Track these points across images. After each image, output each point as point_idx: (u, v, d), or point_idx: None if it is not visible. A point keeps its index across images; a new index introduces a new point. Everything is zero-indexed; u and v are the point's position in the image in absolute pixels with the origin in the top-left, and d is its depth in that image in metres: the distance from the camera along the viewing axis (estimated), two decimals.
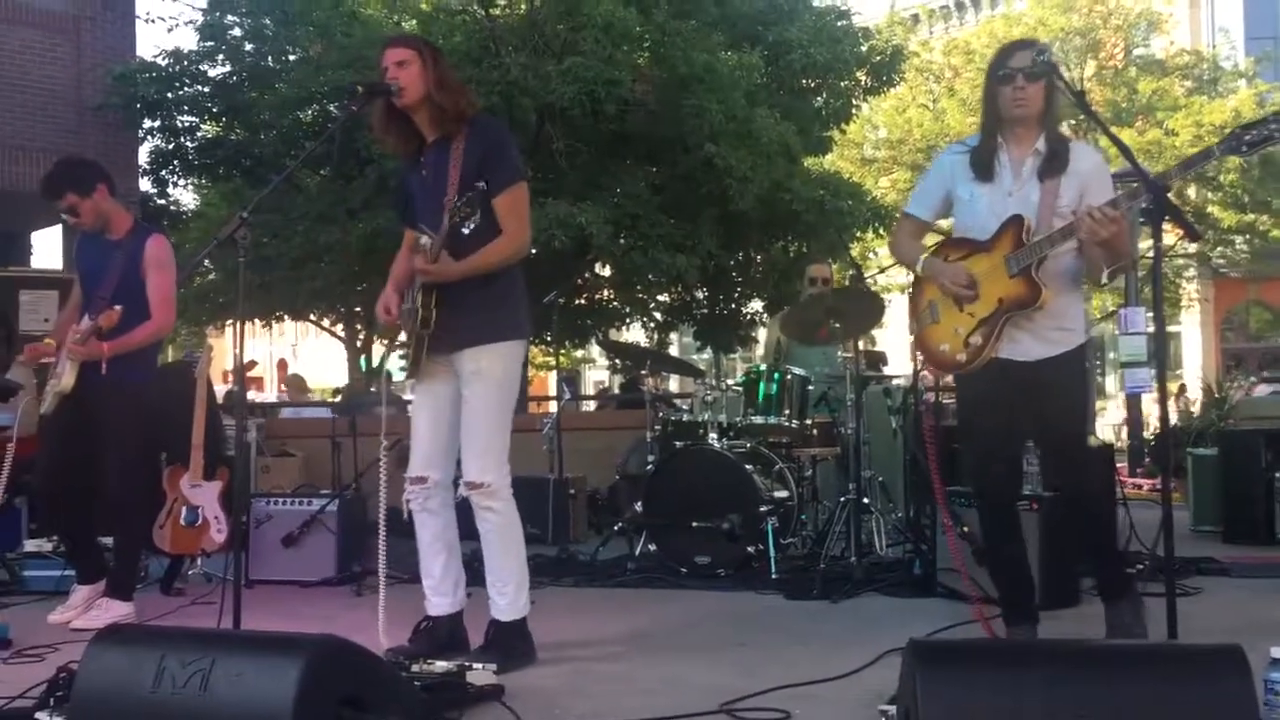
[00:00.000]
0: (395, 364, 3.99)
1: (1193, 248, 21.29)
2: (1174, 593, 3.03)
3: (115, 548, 4.86)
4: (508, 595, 3.72)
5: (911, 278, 4.69)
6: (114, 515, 4.79)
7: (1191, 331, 25.98)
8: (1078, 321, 3.59)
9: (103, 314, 4.48)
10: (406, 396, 5.51)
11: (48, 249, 15.35)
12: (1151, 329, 3.42)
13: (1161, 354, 3.26)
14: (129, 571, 4.81)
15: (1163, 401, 3.20)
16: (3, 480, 4.77)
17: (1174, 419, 15.33)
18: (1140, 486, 9.01)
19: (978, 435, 3.71)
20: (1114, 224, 3.22)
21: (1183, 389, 21.37)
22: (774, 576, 5.17)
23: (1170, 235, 3.38)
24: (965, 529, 4.71)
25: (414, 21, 13.38)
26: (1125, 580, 3.71)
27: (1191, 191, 21.70)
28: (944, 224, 3.96)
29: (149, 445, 5.04)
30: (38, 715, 2.90)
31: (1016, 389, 3.52)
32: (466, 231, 3.52)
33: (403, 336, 3.85)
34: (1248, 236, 22.04)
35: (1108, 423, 23.45)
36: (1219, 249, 22.96)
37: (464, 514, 3.83)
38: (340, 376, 27.17)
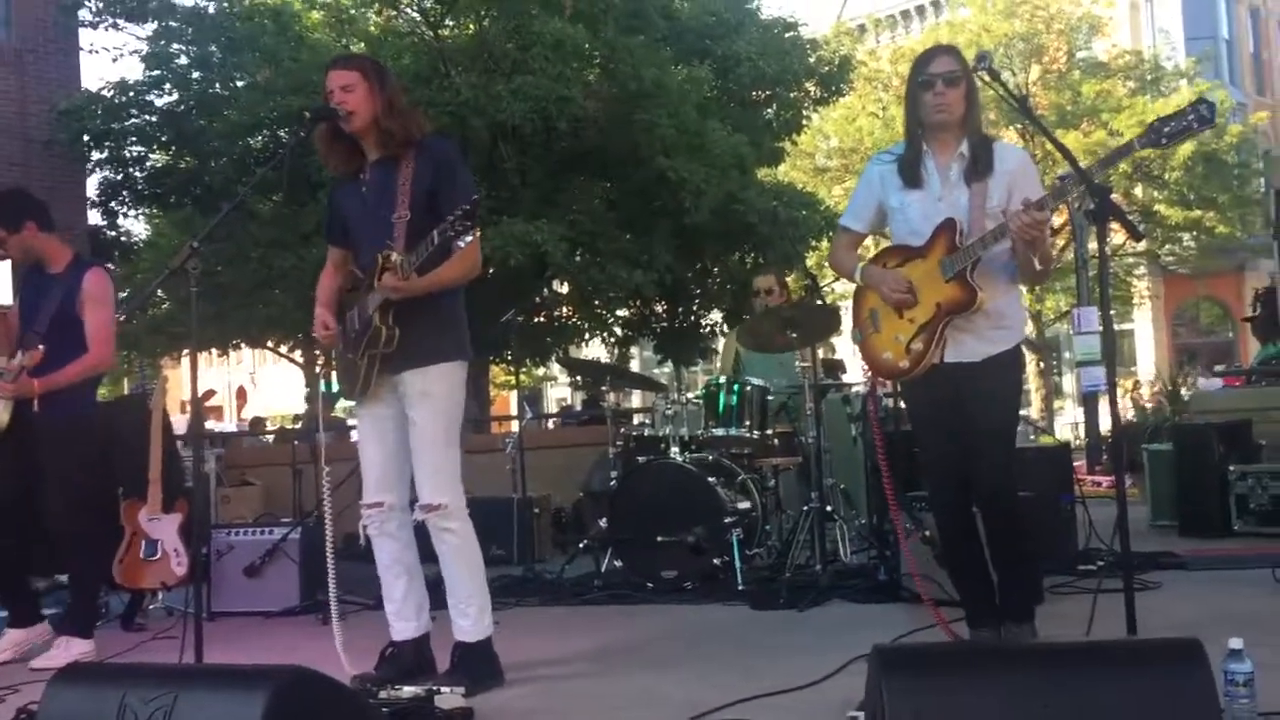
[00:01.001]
0: (332, 389, 3.95)
1: (1141, 246, 21.61)
2: (1132, 588, 3.08)
3: (71, 584, 4.80)
4: (470, 616, 3.69)
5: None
6: (66, 552, 4.71)
7: (1144, 328, 26.38)
8: (1016, 319, 3.62)
9: (28, 352, 4.43)
10: (351, 422, 5.48)
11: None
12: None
13: (1111, 352, 3.32)
14: (87, 608, 4.74)
15: (1112, 398, 3.25)
16: None
17: (1131, 415, 15.55)
18: (1099, 484, 9.13)
19: (928, 441, 3.73)
20: (1038, 225, 3.25)
21: (1136, 384, 21.65)
22: (740, 588, 5.18)
23: (1117, 235, 3.43)
24: (926, 533, 4.74)
25: (362, 44, 13.34)
26: (1025, 603, 3.65)
27: (1139, 190, 22.06)
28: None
29: (103, 479, 4.97)
30: None
31: (960, 391, 3.53)
32: (463, 245, 3.46)
33: (340, 356, 3.82)
34: (1195, 233, 22.42)
35: (1065, 421, 23.73)
36: (1167, 246, 23.35)
37: (421, 537, 3.81)
38: (299, 403, 26.95)
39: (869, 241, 4.19)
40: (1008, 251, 3.50)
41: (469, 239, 3.41)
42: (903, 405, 7.08)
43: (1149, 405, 14.47)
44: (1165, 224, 22.00)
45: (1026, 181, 3.53)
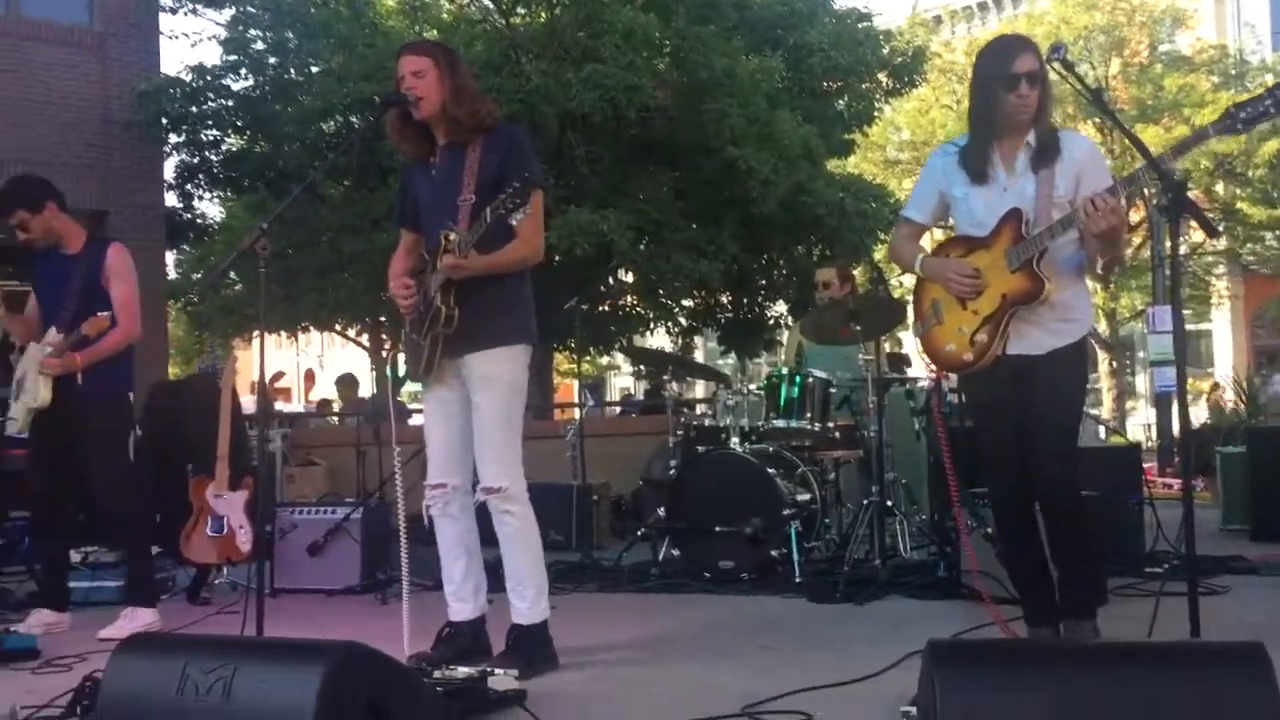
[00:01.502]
0: (400, 369, 3.98)
1: (1221, 244, 21.11)
2: (1196, 590, 3.01)
3: (127, 557, 4.92)
4: (528, 599, 3.72)
5: None
6: (116, 526, 4.83)
7: (1222, 329, 25.75)
8: (1083, 312, 3.55)
9: (86, 322, 4.51)
10: (414, 406, 5.53)
11: None
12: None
13: (1181, 352, 3.22)
14: (147, 578, 4.86)
15: (1182, 398, 3.19)
16: None
17: (1206, 417, 15.22)
18: (1170, 486, 8.95)
19: (989, 434, 3.66)
20: (1113, 213, 3.17)
21: (1216, 386, 21.18)
22: (798, 580, 5.15)
23: (1196, 232, 3.34)
24: (988, 530, 4.69)
25: (435, 31, 13.45)
26: (1088, 600, 3.58)
27: (1220, 187, 21.53)
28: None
29: (174, 455, 5.10)
30: None
31: (1022, 385, 3.46)
32: (514, 223, 3.48)
33: (407, 336, 3.85)
34: (1277, 233, 21.83)
35: (1137, 422, 23.26)
36: (1249, 245, 22.77)
37: (482, 520, 3.84)
38: (366, 386, 27.27)
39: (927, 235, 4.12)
40: (1075, 243, 3.44)
41: (519, 216, 3.43)
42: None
43: (1228, 407, 14.16)
44: (1247, 222, 21.45)
45: (1095, 170, 3.46)
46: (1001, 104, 3.44)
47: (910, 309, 4.06)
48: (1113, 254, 3.45)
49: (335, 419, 15.87)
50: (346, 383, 13.36)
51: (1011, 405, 3.50)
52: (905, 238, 3.81)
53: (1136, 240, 18.18)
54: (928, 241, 3.94)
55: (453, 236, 3.52)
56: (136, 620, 4.60)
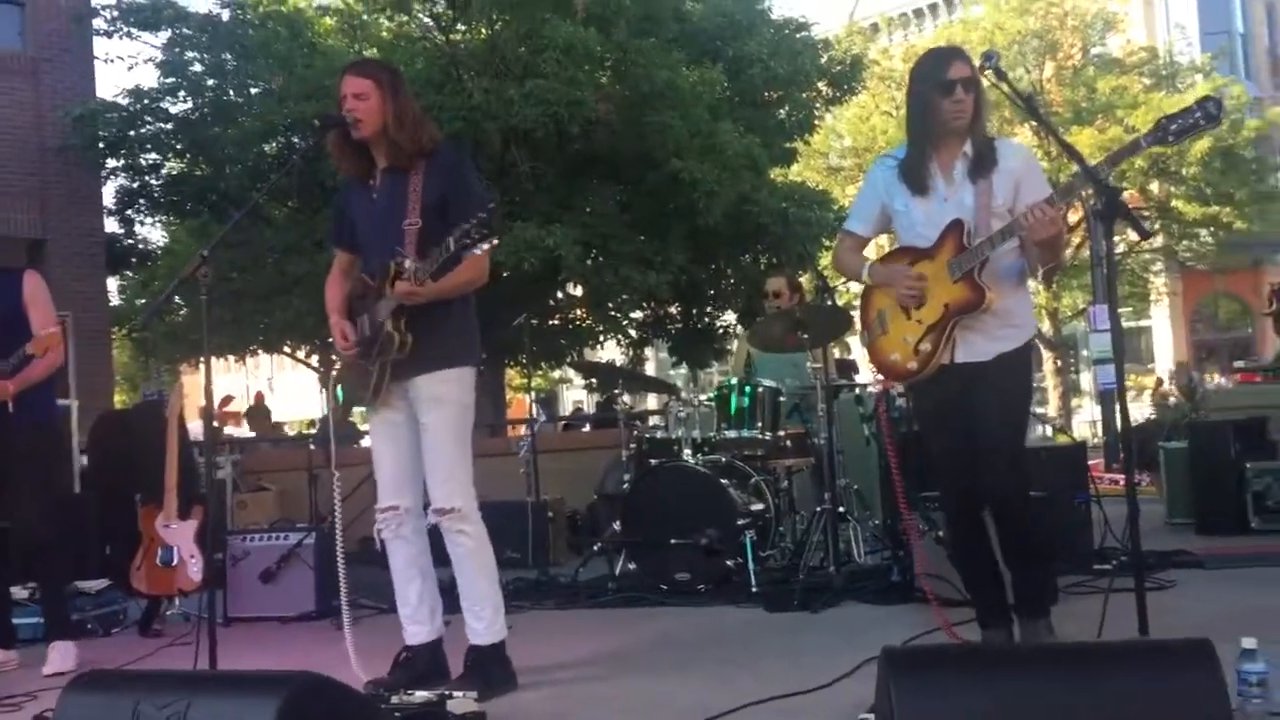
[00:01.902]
0: (339, 395, 3.95)
1: (1158, 242, 21.51)
2: (1144, 588, 3.06)
3: (45, 590, 4.82)
4: (484, 619, 3.71)
5: None
6: (42, 558, 4.70)
7: (1162, 325, 26.24)
8: (1026, 317, 3.63)
9: (31, 342, 4.41)
10: (364, 427, 5.49)
11: None
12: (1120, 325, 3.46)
13: (1120, 349, 3.31)
14: (66, 609, 4.83)
15: (1122, 395, 3.23)
16: None
17: (1150, 413, 15.47)
18: (1116, 482, 9.08)
19: (938, 441, 3.70)
20: (1053, 223, 3.24)
21: (1159, 383, 21.55)
22: (754, 590, 5.17)
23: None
24: (939, 533, 4.74)
25: (374, 49, 13.37)
26: (1040, 599, 3.63)
27: (1155, 186, 21.95)
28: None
29: (119, 485, 5.04)
30: None
31: (969, 391, 3.51)
32: (479, 252, 3.46)
33: (350, 363, 3.83)
34: (1212, 229, 22.28)
35: (1083, 419, 23.62)
36: (1184, 242, 23.21)
37: (434, 540, 3.82)
38: (315, 408, 27.04)
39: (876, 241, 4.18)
40: (1016, 250, 3.49)
41: (485, 246, 3.41)
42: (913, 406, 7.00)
43: (1173, 402, 14.41)
44: (1182, 220, 21.88)
45: (1032, 178, 3.52)
46: (938, 110, 3.49)
47: (857, 317, 4.10)
48: (1054, 260, 3.54)
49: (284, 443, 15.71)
50: (258, 413, 13.23)
51: (959, 412, 3.54)
52: (849, 249, 3.84)
53: (1076, 240, 18.46)
54: (873, 250, 3.99)
55: (408, 264, 3.50)
56: (69, 654, 4.54)
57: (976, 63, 3.44)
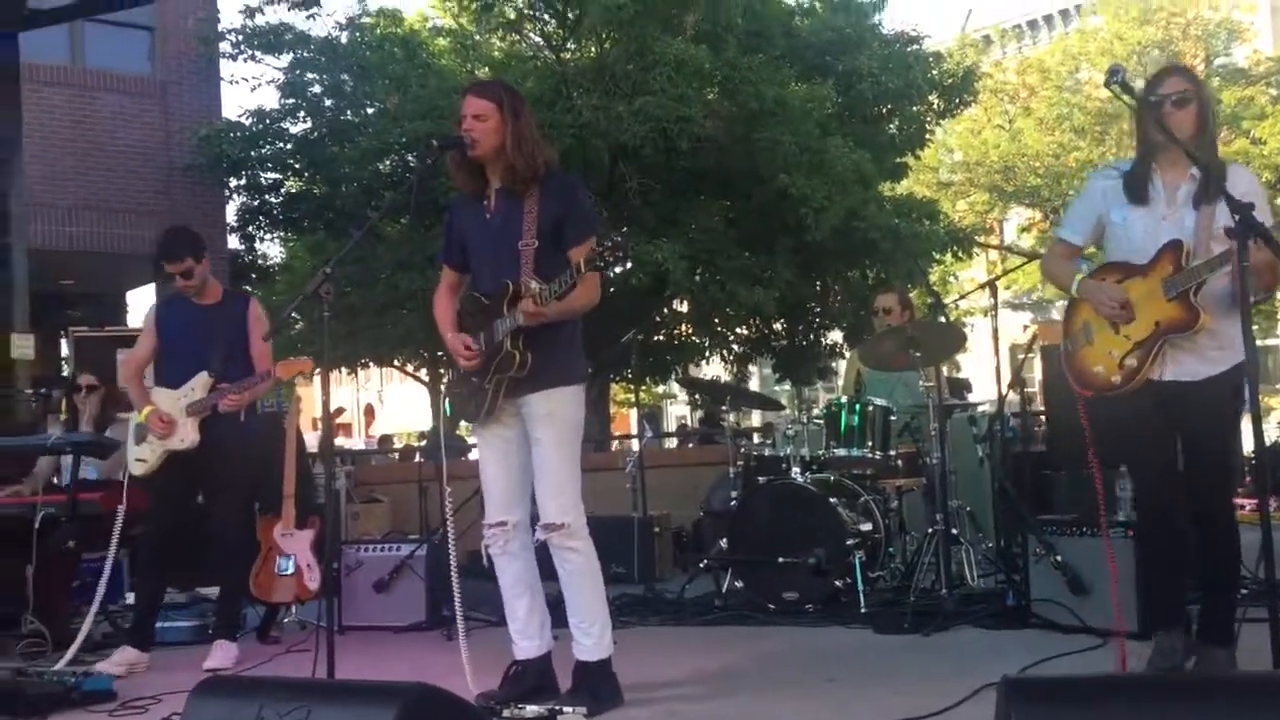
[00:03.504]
0: (447, 411, 4.02)
1: None
2: (1278, 618, 2.93)
3: (226, 592, 5.12)
4: (593, 635, 3.72)
5: (990, 300, 4.71)
6: (228, 562, 5.07)
7: None
8: (1235, 340, 3.54)
9: (280, 365, 4.93)
10: (472, 441, 5.56)
11: (141, 308, 15.85)
12: None
13: (1253, 367, 3.19)
14: (238, 614, 5.20)
15: (1255, 416, 3.12)
16: (115, 536, 4.94)
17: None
18: (1243, 507, 8.74)
19: (1137, 457, 3.77)
20: (1262, 256, 3.23)
21: None
22: (863, 610, 5.10)
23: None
24: (1057, 558, 4.62)
25: (486, 69, 13.62)
26: (1229, 627, 3.60)
27: None
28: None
29: (249, 496, 5.26)
30: None
31: (1171, 410, 3.55)
32: (613, 275, 3.54)
33: (459, 379, 3.88)
34: None
35: None
36: None
37: (542, 555, 3.86)
38: (425, 421, 27.52)
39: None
40: (1228, 274, 3.45)
41: (619, 270, 3.46)
42: (1031, 426, 6.91)
43: None
44: None
45: (1256, 208, 3.43)
46: (1149, 126, 3.56)
47: (971, 334, 4.09)
48: (1266, 290, 3.56)
49: (395, 455, 16.01)
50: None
51: (1160, 432, 3.59)
52: (1060, 257, 3.90)
53: None
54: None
55: (535, 286, 3.53)
56: (229, 652, 4.83)
57: (1102, 76, 3.40)
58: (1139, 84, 3.74)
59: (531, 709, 3.26)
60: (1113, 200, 3.68)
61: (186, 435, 4.83)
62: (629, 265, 3.46)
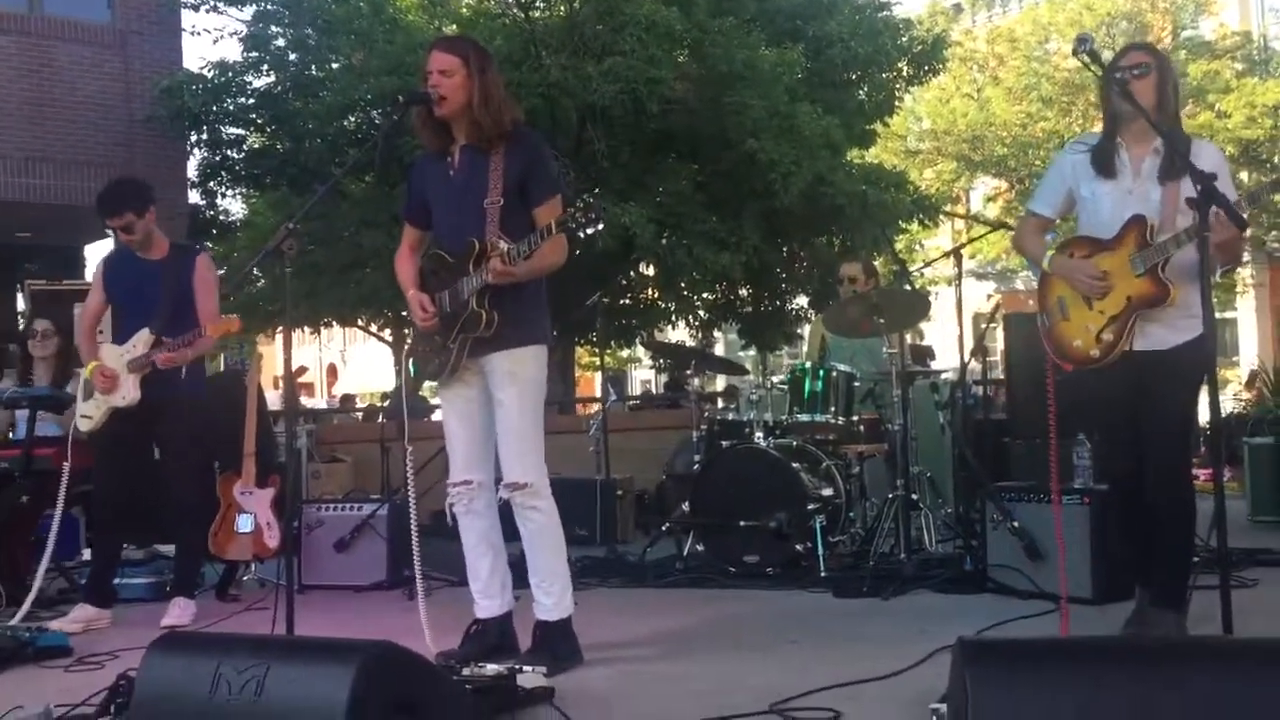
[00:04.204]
0: (411, 370, 3.99)
1: (1246, 232, 20.90)
2: (1229, 585, 2.99)
3: (183, 550, 5.06)
4: (553, 595, 3.74)
5: (955, 269, 5.14)
6: (181, 520, 4.98)
7: (1247, 317, 25.53)
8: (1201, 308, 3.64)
9: (213, 325, 4.68)
10: (436, 401, 5.54)
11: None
12: None
13: (1212, 341, 3.24)
14: (197, 572, 5.11)
15: (1213, 388, 3.16)
16: (61, 492, 4.88)
17: (1236, 407, 15.03)
18: (1196, 476, 8.88)
19: (1108, 426, 3.91)
20: (1223, 228, 3.28)
21: (1254, 376, 20.93)
22: (823, 574, 5.15)
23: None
24: (1013, 524, 4.67)
25: (454, 26, 13.45)
26: (1182, 591, 3.69)
27: (1245, 175, 21.34)
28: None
29: (204, 454, 5.18)
30: None
31: (1143, 379, 3.63)
32: (583, 236, 3.51)
33: (425, 338, 3.86)
34: None
35: None
36: (1274, 233, 22.54)
37: (504, 517, 3.85)
38: (388, 380, 27.40)
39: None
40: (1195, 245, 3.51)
41: (589, 231, 3.43)
42: (991, 394, 6.99)
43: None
44: (1271, 209, 21.23)
45: (1220, 181, 3.47)
46: (1111, 100, 3.66)
47: (935, 301, 4.13)
48: (1232, 261, 3.66)
49: (359, 415, 15.93)
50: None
51: (1130, 399, 3.68)
52: (1031, 230, 3.98)
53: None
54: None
55: (504, 245, 3.52)
56: (188, 609, 4.79)
57: (1070, 46, 3.42)
58: (1107, 55, 3.77)
59: (491, 667, 3.26)
60: (1081, 174, 3.76)
61: (128, 392, 4.73)
62: (600, 228, 3.43)
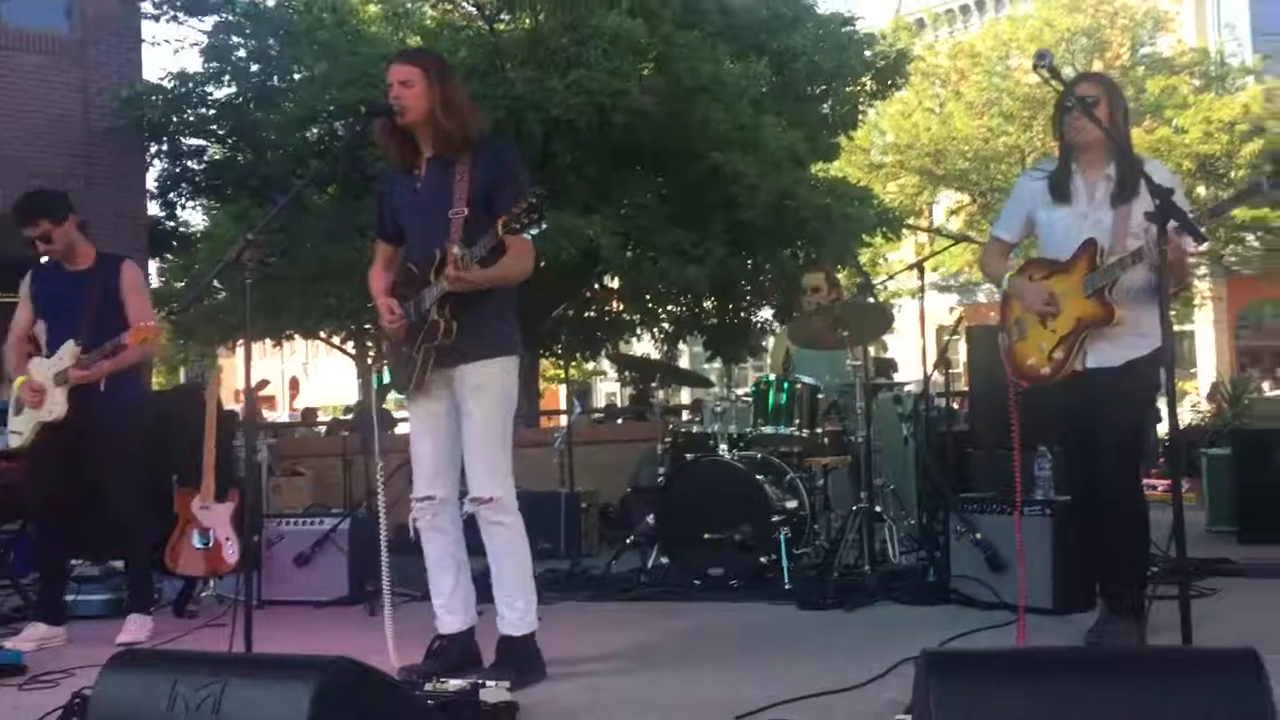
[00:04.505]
0: (382, 383, 3.97)
1: (1204, 246, 21.21)
2: (1188, 596, 3.01)
3: (131, 567, 4.96)
4: (517, 609, 3.71)
5: (918, 282, 5.30)
6: (124, 535, 4.88)
7: (1205, 330, 25.88)
8: (1155, 328, 3.69)
9: (129, 332, 4.51)
10: (400, 414, 5.50)
11: None
12: None
13: (1170, 353, 3.30)
14: (149, 587, 4.98)
15: (1171, 401, 3.19)
16: None
17: (1193, 419, 15.20)
18: (1155, 487, 8.97)
19: (1067, 442, 4.05)
20: (1175, 250, 3.37)
21: (1215, 388, 21.19)
22: (787, 587, 5.15)
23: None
24: (976, 535, 4.69)
25: (418, 38, 13.43)
26: (1141, 601, 3.80)
27: (1202, 189, 21.65)
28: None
29: (158, 467, 5.09)
30: None
31: (1097, 395, 3.75)
32: (529, 237, 3.47)
33: (393, 349, 3.83)
34: (1260, 233, 21.95)
35: None
36: (1230, 246, 22.88)
37: (468, 529, 3.83)
38: (351, 394, 27.23)
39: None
40: (1147, 267, 3.64)
41: (534, 231, 3.40)
42: (954, 406, 7.04)
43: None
44: (1228, 223, 21.55)
45: (1175, 198, 3.53)
46: (1064, 128, 3.83)
47: (899, 315, 4.23)
48: (1177, 284, 3.80)
49: (321, 429, 15.82)
50: None
51: (1084, 415, 3.81)
52: (995, 254, 4.16)
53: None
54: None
55: (456, 250, 3.49)
56: (144, 626, 4.69)
57: (1030, 62, 3.50)
58: (1067, 71, 3.85)
59: (454, 683, 3.23)
60: (1039, 200, 3.93)
61: (55, 406, 4.61)
62: (544, 227, 3.39)
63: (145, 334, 4.52)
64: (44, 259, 4.87)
